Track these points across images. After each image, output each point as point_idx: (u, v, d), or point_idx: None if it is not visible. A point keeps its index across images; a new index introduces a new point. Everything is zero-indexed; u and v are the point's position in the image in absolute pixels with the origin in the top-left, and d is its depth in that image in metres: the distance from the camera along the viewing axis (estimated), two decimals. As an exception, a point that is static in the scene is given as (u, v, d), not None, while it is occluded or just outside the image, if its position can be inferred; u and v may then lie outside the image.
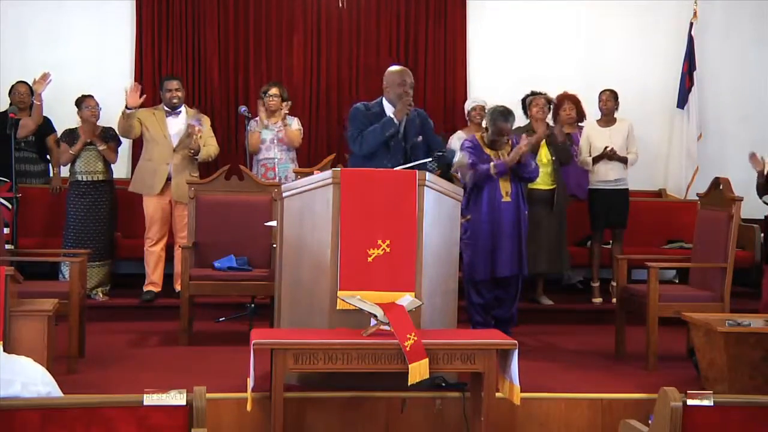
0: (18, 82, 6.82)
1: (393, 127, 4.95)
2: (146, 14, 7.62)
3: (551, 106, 6.74)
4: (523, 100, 6.81)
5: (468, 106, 7.32)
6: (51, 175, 6.93)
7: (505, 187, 5.29)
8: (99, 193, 6.43)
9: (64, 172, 6.72)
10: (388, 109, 5.03)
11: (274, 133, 6.72)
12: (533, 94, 6.76)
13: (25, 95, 6.76)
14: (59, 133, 6.64)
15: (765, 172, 6.17)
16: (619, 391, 4.47)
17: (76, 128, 6.50)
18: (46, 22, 7.53)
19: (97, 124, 6.50)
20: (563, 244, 6.59)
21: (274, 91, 6.77)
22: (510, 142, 5.45)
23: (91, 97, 6.51)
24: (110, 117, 6.85)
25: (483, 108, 7.19)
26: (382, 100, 5.10)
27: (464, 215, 5.31)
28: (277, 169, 6.64)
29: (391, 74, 5.10)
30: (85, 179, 6.39)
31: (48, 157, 6.93)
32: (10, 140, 6.23)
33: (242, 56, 7.77)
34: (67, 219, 6.41)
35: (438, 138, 5.34)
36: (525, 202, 5.45)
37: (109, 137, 6.48)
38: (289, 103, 6.86)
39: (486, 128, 5.52)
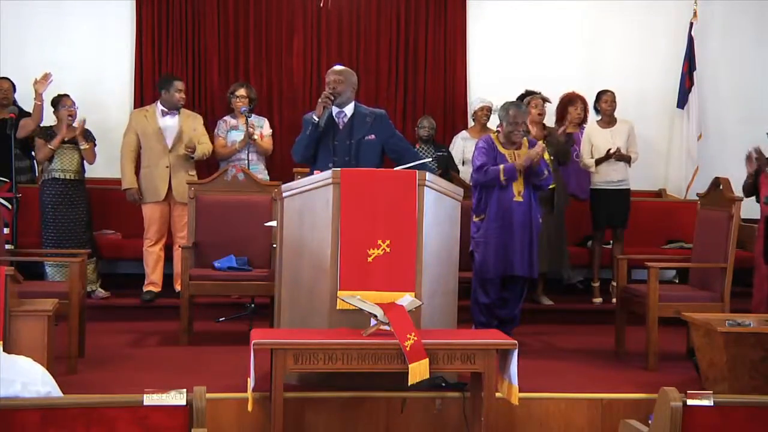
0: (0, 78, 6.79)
1: (310, 125, 4.83)
2: (146, 14, 7.61)
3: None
4: (520, 99, 6.68)
5: (475, 105, 7.27)
6: (36, 173, 6.86)
7: (517, 187, 5.24)
8: (76, 192, 6.35)
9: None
10: (334, 110, 4.91)
11: (243, 134, 6.66)
12: (529, 93, 6.66)
13: (7, 91, 6.71)
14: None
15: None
16: (619, 391, 4.47)
17: (52, 126, 6.43)
18: (46, 22, 7.52)
19: (77, 124, 6.44)
20: (563, 244, 6.59)
21: (241, 92, 6.72)
22: (527, 140, 5.42)
23: (67, 96, 6.43)
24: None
25: (489, 109, 7.18)
26: None
27: (477, 214, 5.32)
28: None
29: (328, 74, 4.99)
30: (61, 177, 6.32)
31: (33, 154, 6.87)
32: (9, 140, 6.22)
33: (242, 56, 7.76)
34: (44, 218, 6.32)
35: (407, 145, 5.13)
36: (538, 206, 5.41)
37: (87, 137, 6.39)
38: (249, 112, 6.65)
39: (501, 124, 5.44)
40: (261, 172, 6.69)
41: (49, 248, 6.19)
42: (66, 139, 6.30)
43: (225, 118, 6.86)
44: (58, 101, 6.42)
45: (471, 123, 7.53)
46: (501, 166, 5.21)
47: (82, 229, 6.36)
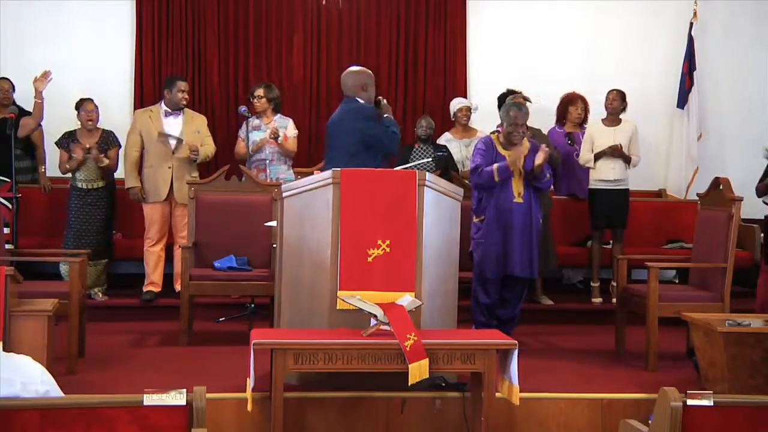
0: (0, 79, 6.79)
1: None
2: (146, 14, 7.62)
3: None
4: (501, 99, 6.61)
5: (454, 106, 7.25)
6: (37, 174, 6.86)
7: (517, 188, 5.23)
8: (99, 196, 6.40)
9: (57, 172, 6.66)
10: None
11: (265, 134, 6.66)
12: (510, 92, 6.62)
13: (7, 92, 6.70)
14: (55, 134, 6.55)
15: None
16: (619, 391, 4.47)
17: (74, 131, 6.47)
18: (46, 22, 7.53)
19: (98, 127, 6.47)
20: (549, 244, 6.56)
21: (259, 92, 6.75)
22: (526, 139, 5.41)
23: (90, 100, 6.46)
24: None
25: (469, 109, 7.19)
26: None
27: (477, 215, 5.31)
28: (268, 170, 6.56)
29: (368, 75, 5.07)
30: (85, 187, 6.37)
31: (36, 154, 6.86)
32: (10, 140, 6.21)
33: (242, 56, 7.77)
34: (68, 219, 6.38)
35: None
36: (539, 207, 5.40)
37: (110, 142, 6.45)
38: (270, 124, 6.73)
39: (501, 124, 5.44)
40: (284, 173, 6.65)
41: (69, 249, 6.19)
42: (83, 157, 6.32)
43: (248, 119, 6.85)
44: (80, 105, 6.46)
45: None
46: (495, 166, 5.20)
47: (100, 231, 6.39)
